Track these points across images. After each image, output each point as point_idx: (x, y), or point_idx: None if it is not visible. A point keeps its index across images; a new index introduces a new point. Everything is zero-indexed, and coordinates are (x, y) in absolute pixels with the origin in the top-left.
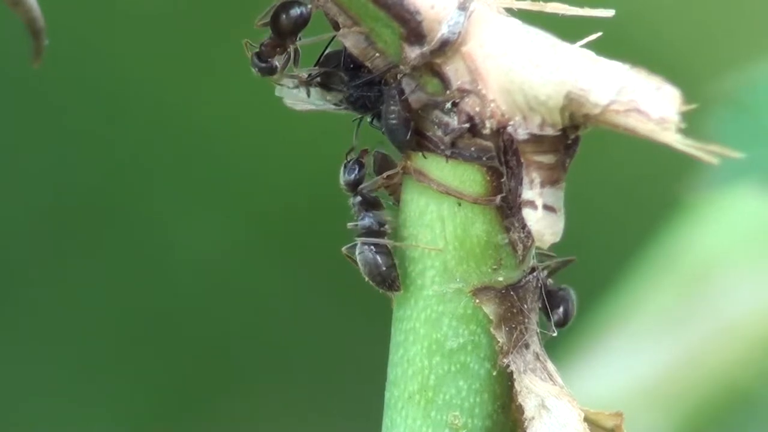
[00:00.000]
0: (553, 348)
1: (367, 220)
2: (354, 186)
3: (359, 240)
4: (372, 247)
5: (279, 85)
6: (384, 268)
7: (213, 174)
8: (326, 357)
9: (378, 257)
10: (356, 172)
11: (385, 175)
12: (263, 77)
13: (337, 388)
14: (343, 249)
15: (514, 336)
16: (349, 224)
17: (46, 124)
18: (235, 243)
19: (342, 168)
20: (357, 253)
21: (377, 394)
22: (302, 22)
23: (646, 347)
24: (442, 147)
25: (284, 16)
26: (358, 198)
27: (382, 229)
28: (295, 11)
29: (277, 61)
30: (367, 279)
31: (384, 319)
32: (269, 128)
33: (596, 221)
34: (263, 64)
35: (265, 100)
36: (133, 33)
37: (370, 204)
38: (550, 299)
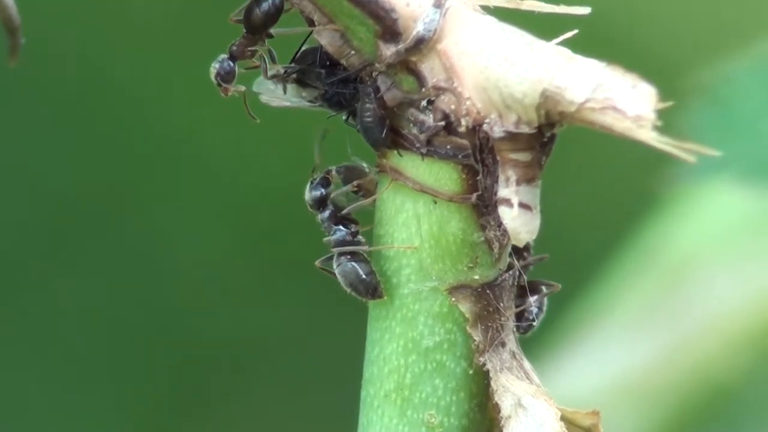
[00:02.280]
0: (530, 345)
1: (339, 234)
2: (319, 203)
3: (335, 250)
4: (349, 256)
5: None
6: (364, 276)
7: (209, 179)
8: (323, 362)
9: (357, 266)
10: (321, 189)
11: (355, 183)
12: (217, 83)
13: (335, 393)
14: (317, 262)
15: (490, 334)
16: (324, 239)
17: (43, 128)
18: (231, 248)
19: (307, 186)
20: (335, 266)
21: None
22: (275, 12)
23: (624, 345)
24: (418, 145)
25: (256, 9)
26: (326, 213)
27: (355, 239)
28: (267, 3)
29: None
30: (348, 291)
31: None
32: (266, 134)
33: (573, 218)
34: (227, 65)
35: (265, 107)
36: (133, 39)
37: (339, 217)
38: (525, 295)
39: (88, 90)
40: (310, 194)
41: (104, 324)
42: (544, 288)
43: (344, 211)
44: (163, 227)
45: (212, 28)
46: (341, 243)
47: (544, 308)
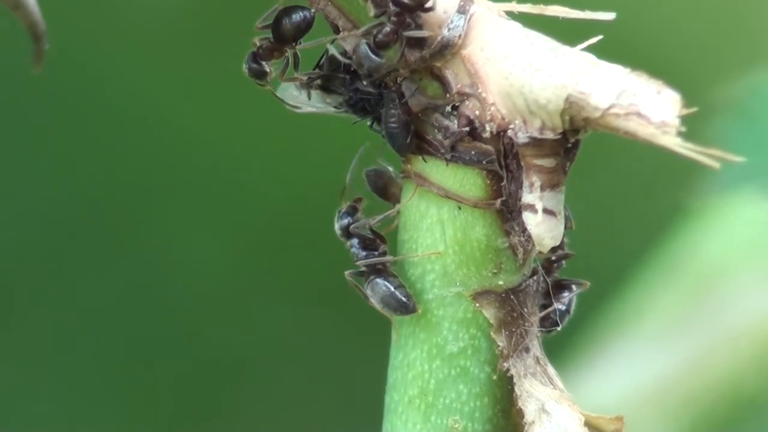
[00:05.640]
0: (558, 352)
1: (367, 258)
2: (347, 232)
3: (364, 268)
4: (380, 277)
5: (276, 88)
6: (394, 290)
7: (213, 189)
8: (327, 367)
9: (387, 284)
10: (348, 218)
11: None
12: (251, 78)
13: (339, 396)
14: (347, 273)
15: (514, 340)
16: (348, 272)
17: (45, 142)
18: (235, 257)
19: (336, 215)
20: (367, 289)
21: (377, 409)
22: (305, 26)
23: (651, 353)
24: (442, 150)
25: (286, 20)
26: (354, 240)
27: (383, 259)
28: (298, 16)
29: (270, 66)
30: (382, 309)
31: (385, 336)
32: (272, 146)
33: (601, 227)
34: (255, 65)
35: (269, 117)
36: (136, 50)
37: (367, 243)
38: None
39: (89, 106)
40: (338, 224)
41: (109, 332)
42: (574, 286)
43: (372, 222)
44: (167, 237)
45: (219, 42)
46: (370, 265)
47: (572, 308)
